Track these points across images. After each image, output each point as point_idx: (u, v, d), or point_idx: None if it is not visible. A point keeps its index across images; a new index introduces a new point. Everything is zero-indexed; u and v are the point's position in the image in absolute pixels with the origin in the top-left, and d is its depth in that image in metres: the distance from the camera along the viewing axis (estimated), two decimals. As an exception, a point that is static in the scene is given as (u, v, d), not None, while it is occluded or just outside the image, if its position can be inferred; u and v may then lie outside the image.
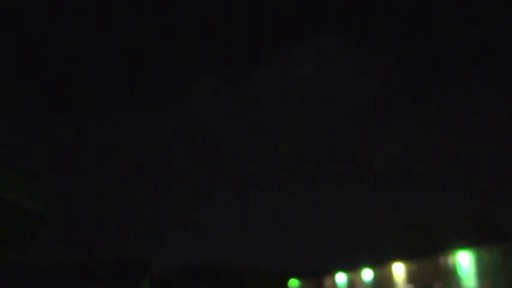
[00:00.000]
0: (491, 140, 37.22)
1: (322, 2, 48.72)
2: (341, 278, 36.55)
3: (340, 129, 43.73)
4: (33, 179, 27.90)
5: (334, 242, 37.50)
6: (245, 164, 43.39)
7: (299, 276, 38.55)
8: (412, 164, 39.50)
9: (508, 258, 21.69)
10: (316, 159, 43.65)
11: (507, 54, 38.66)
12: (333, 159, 43.02)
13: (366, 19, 46.23)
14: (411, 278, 29.41)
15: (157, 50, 47.70)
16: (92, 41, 45.31)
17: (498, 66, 39.28)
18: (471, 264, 24.31)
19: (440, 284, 26.68)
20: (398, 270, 30.36)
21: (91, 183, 39.74)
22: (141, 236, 36.24)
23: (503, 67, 38.80)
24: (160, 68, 48.32)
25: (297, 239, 39.31)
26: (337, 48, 46.49)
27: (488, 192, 32.16)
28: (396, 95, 43.66)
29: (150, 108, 45.62)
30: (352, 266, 34.99)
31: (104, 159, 41.68)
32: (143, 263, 23.27)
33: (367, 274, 33.36)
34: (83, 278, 21.58)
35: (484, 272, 23.50)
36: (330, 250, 37.31)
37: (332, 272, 37.12)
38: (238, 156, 43.86)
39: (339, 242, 37.24)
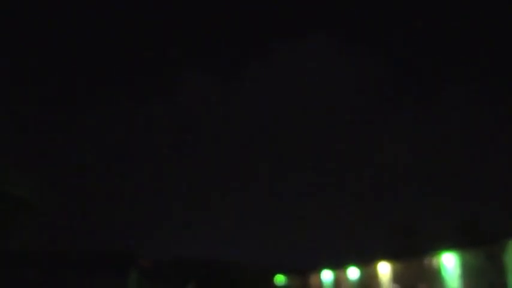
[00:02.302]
0: (479, 143, 37.65)
1: (314, -1, 48.76)
2: (327, 275, 36.85)
3: (330, 129, 43.95)
4: (20, 167, 27.74)
5: (321, 240, 37.79)
6: (235, 161, 43.49)
7: (285, 272, 38.81)
8: (400, 165, 39.83)
9: (492, 261, 21.98)
10: (304, 158, 43.87)
11: (503, 54, 38.91)
12: (321, 158, 43.27)
13: (359, 18, 46.32)
14: (396, 277, 29.72)
15: (147, 43, 47.46)
16: (81, 35, 45.01)
17: (493, 68, 39.57)
18: (456, 266, 24.60)
19: (425, 285, 26.97)
20: (384, 269, 30.64)
21: (80, 173, 39.62)
22: (130, 228, 36.21)
23: (498, 70, 39.09)
24: (149, 62, 48.03)
25: (284, 235, 39.52)
26: (329, 46, 46.65)
27: (475, 194, 32.57)
28: (387, 96, 43.90)
29: (139, 101, 45.42)
30: (338, 264, 35.28)
31: (93, 150, 41.54)
32: (131, 253, 23.30)
33: (353, 272, 33.64)
34: (70, 268, 21.57)
35: (468, 274, 23.78)
36: (317, 247, 37.60)
37: (318, 269, 37.41)
38: (228, 152, 43.95)
39: (325, 240, 37.54)
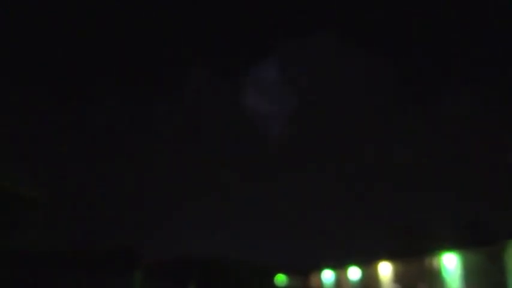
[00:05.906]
0: (483, 142, 37.72)
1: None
2: (328, 275, 37.00)
3: (332, 129, 44.03)
4: (26, 165, 27.86)
5: (322, 240, 37.88)
6: (237, 158, 43.57)
7: (286, 272, 38.96)
8: (401, 165, 39.93)
9: (494, 261, 22.06)
10: (307, 157, 43.96)
11: (508, 57, 38.92)
12: (323, 158, 43.36)
13: (364, 18, 46.32)
14: (397, 277, 29.85)
15: (151, 40, 47.48)
16: (84, 32, 45.04)
17: (498, 70, 39.58)
18: (457, 266, 24.71)
19: (425, 285, 27.08)
20: (385, 269, 30.78)
21: (83, 172, 39.70)
22: (132, 227, 36.30)
23: (503, 72, 39.11)
24: (153, 59, 48.06)
25: (285, 235, 39.63)
26: (333, 46, 46.64)
27: (477, 194, 32.64)
28: (391, 96, 43.96)
29: (142, 99, 45.52)
30: (339, 264, 35.42)
31: (96, 148, 41.62)
32: (134, 253, 23.43)
33: (353, 272, 33.78)
34: (74, 267, 21.68)
35: (469, 274, 23.88)
36: (318, 247, 37.70)
37: (319, 269, 37.56)
38: (231, 150, 44.04)
39: (326, 240, 37.62)
